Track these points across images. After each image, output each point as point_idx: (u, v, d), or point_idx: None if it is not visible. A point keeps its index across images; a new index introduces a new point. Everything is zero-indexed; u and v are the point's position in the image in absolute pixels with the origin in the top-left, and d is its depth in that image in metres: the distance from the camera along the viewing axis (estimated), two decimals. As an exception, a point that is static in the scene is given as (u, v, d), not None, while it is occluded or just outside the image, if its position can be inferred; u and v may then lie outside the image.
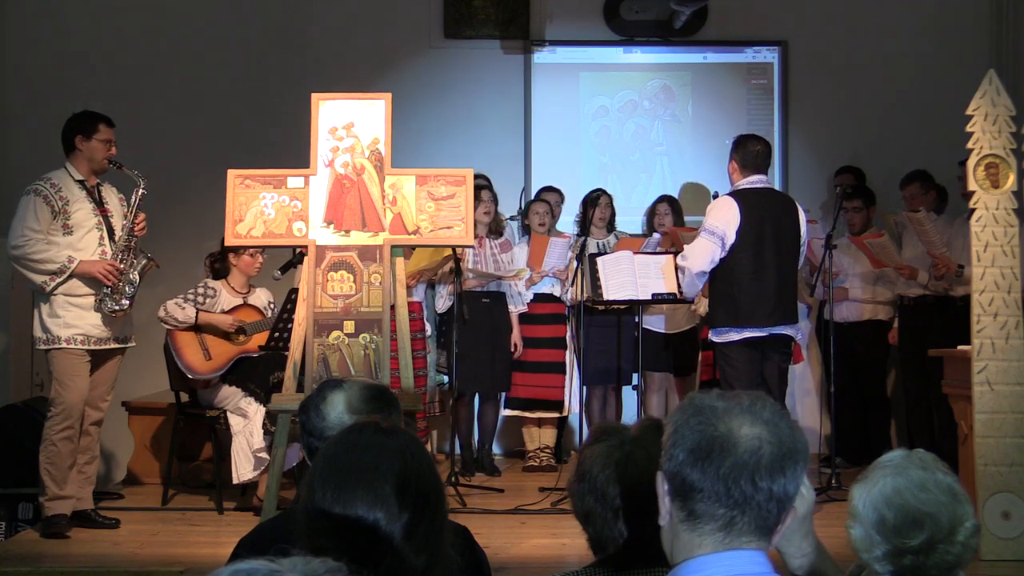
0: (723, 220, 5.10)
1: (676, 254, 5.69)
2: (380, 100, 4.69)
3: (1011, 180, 4.64)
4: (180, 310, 5.44)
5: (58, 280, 4.83)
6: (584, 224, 6.42)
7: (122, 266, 4.93)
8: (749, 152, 5.27)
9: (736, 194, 5.19)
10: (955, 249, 6.02)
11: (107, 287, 4.89)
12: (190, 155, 7.16)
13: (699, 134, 7.47)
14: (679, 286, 5.55)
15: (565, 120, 7.47)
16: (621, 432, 2.05)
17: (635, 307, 6.01)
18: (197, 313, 5.45)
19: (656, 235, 6.53)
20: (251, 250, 5.50)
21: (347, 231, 4.57)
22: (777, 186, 7.06)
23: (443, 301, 6.34)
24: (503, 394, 6.52)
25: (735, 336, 5.10)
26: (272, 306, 5.72)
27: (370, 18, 7.43)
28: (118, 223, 5.02)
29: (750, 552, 1.51)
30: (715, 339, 5.19)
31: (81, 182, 4.96)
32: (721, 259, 5.12)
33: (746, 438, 1.49)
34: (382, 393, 2.51)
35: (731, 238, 5.09)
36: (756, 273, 5.09)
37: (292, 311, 4.93)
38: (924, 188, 6.44)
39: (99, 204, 4.99)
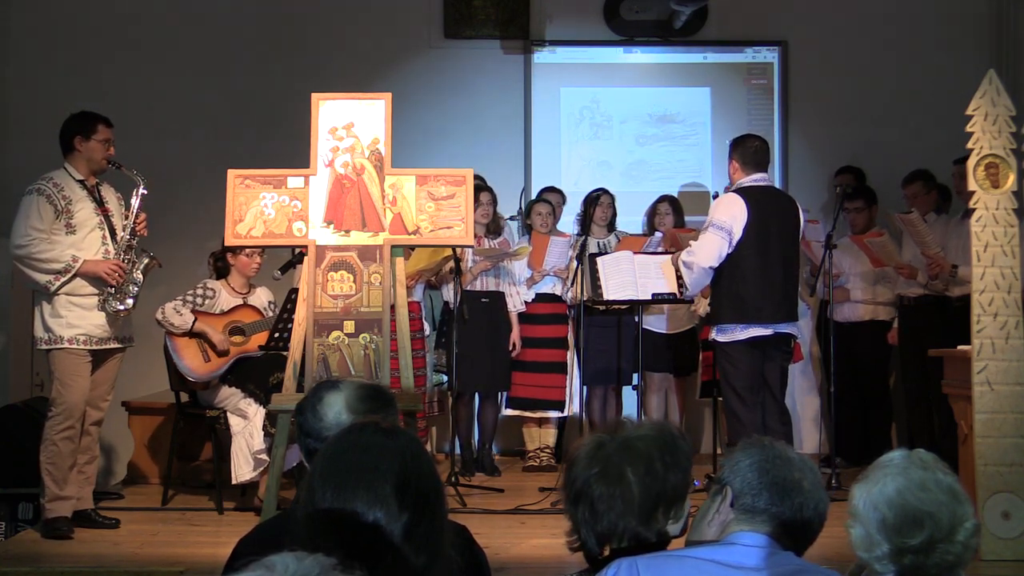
0: (730, 216, 5.11)
1: (676, 254, 5.68)
2: (380, 100, 4.69)
3: (1011, 180, 4.64)
4: (177, 315, 5.43)
5: (62, 280, 4.82)
6: (585, 223, 6.42)
7: (126, 266, 4.94)
8: (749, 149, 5.28)
9: (741, 191, 5.20)
10: (950, 250, 6.02)
11: (111, 287, 4.89)
12: (190, 155, 7.16)
13: (699, 134, 7.47)
14: (679, 284, 5.52)
15: (565, 120, 7.47)
16: (621, 427, 2.06)
17: (635, 307, 6.00)
18: (194, 320, 5.45)
19: (657, 235, 6.52)
20: (247, 250, 5.48)
21: (347, 231, 4.57)
22: (777, 186, 7.07)
23: (451, 296, 6.31)
24: (503, 394, 6.52)
25: (740, 335, 5.11)
26: (273, 306, 5.71)
27: (370, 18, 7.43)
28: (118, 223, 5.02)
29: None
30: (719, 338, 5.19)
31: (81, 182, 4.96)
32: (727, 255, 5.13)
33: (807, 488, 2.05)
34: (379, 393, 2.51)
35: (738, 234, 5.10)
36: (762, 270, 5.10)
37: (292, 311, 4.92)
38: (926, 188, 6.44)
39: (100, 204, 4.99)
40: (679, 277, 5.53)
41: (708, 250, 5.14)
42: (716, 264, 5.15)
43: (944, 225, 6.29)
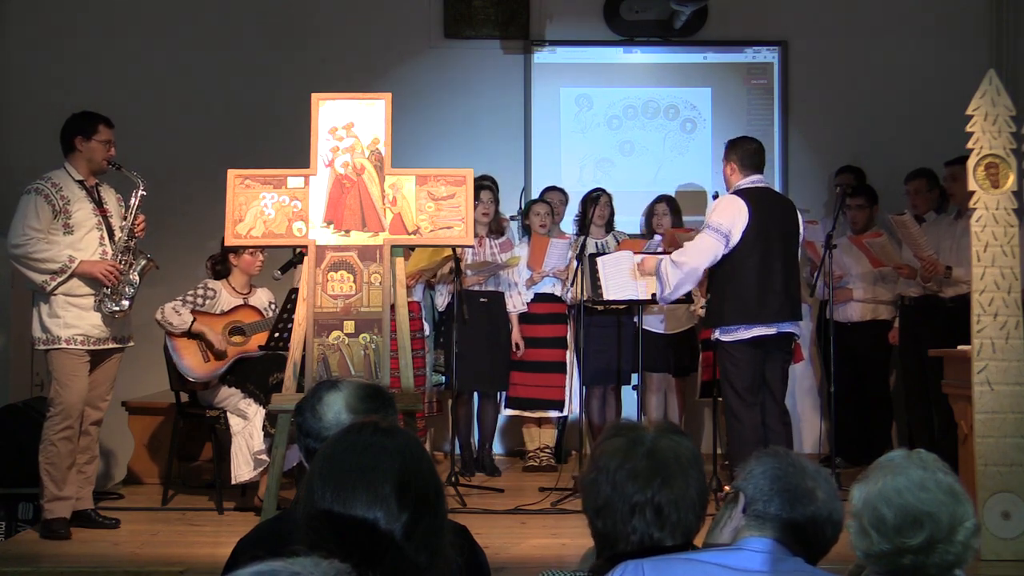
0: (729, 218, 5.12)
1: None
2: (380, 100, 4.69)
3: (1011, 180, 4.64)
4: (176, 315, 5.43)
5: (59, 280, 4.83)
6: (584, 223, 6.42)
7: (122, 267, 4.94)
8: (747, 151, 5.30)
9: (741, 193, 5.20)
10: (944, 252, 6.02)
11: (107, 288, 4.89)
12: (190, 155, 7.16)
13: (699, 134, 7.47)
14: (661, 288, 5.30)
15: (565, 120, 7.47)
16: (640, 429, 2.07)
17: (635, 307, 6.00)
18: (193, 320, 5.45)
19: (657, 237, 6.52)
20: (250, 249, 5.50)
21: (347, 231, 4.57)
22: (777, 186, 7.09)
23: (443, 299, 6.34)
24: (503, 394, 6.52)
25: (744, 335, 5.12)
26: (273, 306, 5.72)
27: (370, 18, 7.43)
28: (117, 224, 5.02)
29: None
30: (723, 338, 5.19)
31: (81, 182, 4.96)
32: (725, 256, 5.13)
33: (820, 497, 2.06)
34: (378, 392, 2.50)
35: (735, 237, 5.10)
36: (764, 270, 5.11)
37: (292, 311, 4.93)
38: (929, 185, 6.44)
39: (99, 204, 4.99)
40: (666, 275, 5.34)
41: (703, 252, 5.13)
42: (708, 266, 5.15)
43: (940, 225, 6.28)
